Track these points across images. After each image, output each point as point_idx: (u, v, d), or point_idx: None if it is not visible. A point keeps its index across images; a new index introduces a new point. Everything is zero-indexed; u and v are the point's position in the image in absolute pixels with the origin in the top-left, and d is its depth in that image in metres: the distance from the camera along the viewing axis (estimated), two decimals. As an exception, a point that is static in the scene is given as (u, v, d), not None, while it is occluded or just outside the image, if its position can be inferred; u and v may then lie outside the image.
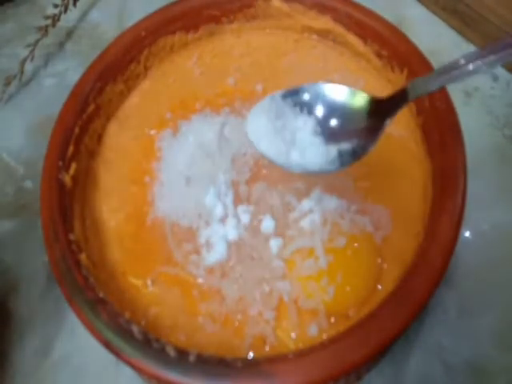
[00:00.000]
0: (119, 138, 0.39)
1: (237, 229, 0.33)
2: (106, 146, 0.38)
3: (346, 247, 0.32)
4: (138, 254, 0.34)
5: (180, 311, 0.32)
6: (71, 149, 0.35)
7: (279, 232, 0.33)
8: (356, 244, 0.32)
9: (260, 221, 0.34)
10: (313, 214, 0.33)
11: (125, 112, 0.40)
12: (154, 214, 0.35)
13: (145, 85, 0.41)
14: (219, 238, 0.33)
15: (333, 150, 0.31)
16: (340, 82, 0.39)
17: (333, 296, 0.30)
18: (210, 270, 0.33)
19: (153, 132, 0.39)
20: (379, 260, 0.32)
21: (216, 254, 0.33)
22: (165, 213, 0.35)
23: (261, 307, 0.31)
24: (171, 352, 0.27)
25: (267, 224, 0.33)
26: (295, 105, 0.32)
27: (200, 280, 0.33)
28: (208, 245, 0.33)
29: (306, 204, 0.33)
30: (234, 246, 0.33)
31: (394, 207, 0.34)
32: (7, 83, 0.49)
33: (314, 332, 0.30)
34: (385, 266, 0.32)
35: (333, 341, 0.27)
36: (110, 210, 0.36)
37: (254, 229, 0.34)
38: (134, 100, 0.40)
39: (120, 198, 0.36)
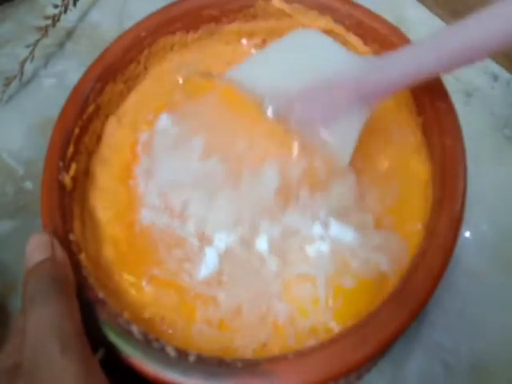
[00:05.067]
0: (116, 135, 0.38)
1: (227, 241, 0.32)
2: (104, 143, 0.38)
3: (353, 289, 0.30)
4: (131, 256, 0.34)
5: (176, 315, 0.32)
6: (71, 149, 0.35)
7: (276, 252, 0.32)
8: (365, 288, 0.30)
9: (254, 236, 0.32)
10: (322, 242, 0.31)
11: (123, 110, 0.40)
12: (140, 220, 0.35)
13: (145, 85, 0.41)
14: (211, 249, 0.32)
15: None
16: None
17: (332, 318, 0.30)
18: (204, 283, 0.32)
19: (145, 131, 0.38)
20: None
21: (208, 266, 0.32)
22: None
23: (257, 328, 0.31)
24: (171, 352, 0.27)
25: (262, 244, 0.32)
26: None
27: (194, 290, 0.32)
28: (200, 256, 0.33)
29: (316, 230, 0.31)
30: (226, 259, 0.32)
31: (393, 207, 0.34)
32: (7, 83, 0.49)
33: (312, 343, 0.29)
34: (385, 265, 0.32)
35: (333, 341, 0.27)
36: (104, 209, 0.36)
37: (247, 243, 0.32)
38: (133, 99, 0.40)
39: (112, 198, 0.36)
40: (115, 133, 0.39)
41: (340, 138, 0.32)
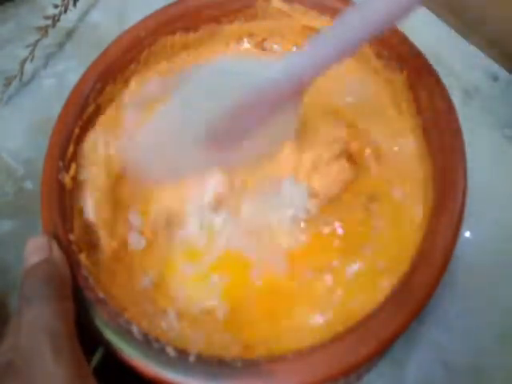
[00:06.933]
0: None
1: None
2: None
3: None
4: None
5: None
6: (71, 149, 0.35)
7: None
8: None
9: None
10: None
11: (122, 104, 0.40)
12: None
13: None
14: None
15: None
16: (340, 83, 0.40)
17: None
18: None
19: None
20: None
21: None
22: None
23: None
24: (171, 352, 0.27)
25: None
26: None
27: None
28: None
29: None
30: None
31: (394, 207, 0.34)
32: (7, 83, 0.49)
33: None
34: (384, 265, 0.32)
35: (333, 341, 0.27)
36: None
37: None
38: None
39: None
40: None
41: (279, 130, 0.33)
